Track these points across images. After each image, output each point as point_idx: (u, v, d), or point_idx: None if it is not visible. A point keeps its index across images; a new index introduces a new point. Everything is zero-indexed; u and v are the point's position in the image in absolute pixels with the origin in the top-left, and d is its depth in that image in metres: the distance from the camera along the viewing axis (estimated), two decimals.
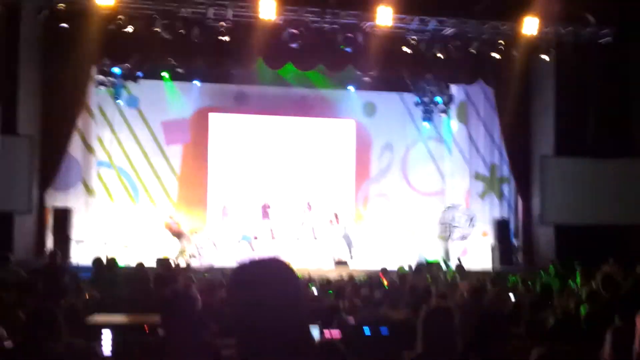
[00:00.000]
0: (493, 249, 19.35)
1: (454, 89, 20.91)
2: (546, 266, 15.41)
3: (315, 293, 10.56)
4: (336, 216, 19.56)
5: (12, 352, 4.54)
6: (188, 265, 16.60)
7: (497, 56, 17.20)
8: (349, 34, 16.48)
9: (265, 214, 19.89)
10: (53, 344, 4.63)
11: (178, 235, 18.64)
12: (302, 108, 21.06)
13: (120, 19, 15.40)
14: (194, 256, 17.93)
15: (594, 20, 15.98)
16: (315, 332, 6.56)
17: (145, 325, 6.68)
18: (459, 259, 17.52)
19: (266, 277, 2.28)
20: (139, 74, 19.20)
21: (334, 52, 17.15)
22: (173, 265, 14.71)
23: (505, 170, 20.33)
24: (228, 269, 14.01)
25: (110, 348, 6.40)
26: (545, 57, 17.26)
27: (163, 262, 15.15)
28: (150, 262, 14.86)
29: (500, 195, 20.44)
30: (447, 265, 16.92)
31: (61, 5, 15.37)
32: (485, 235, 20.08)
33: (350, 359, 5.79)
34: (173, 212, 19.40)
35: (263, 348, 2.21)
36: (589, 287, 8.47)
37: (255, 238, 19.45)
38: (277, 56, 17.47)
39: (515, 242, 19.56)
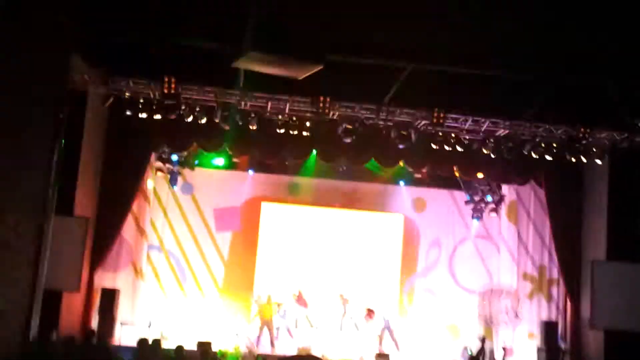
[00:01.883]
0: (539, 351, 18.91)
1: (505, 188, 20.91)
2: None
3: None
4: (369, 311, 19.32)
5: None
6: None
7: (550, 158, 17.25)
8: (403, 131, 16.76)
9: (303, 304, 19.83)
10: None
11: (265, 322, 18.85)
12: (352, 201, 21.25)
13: (182, 108, 15.96)
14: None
15: None
16: None
17: None
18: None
19: None
20: (196, 162, 19.74)
21: (386, 148, 17.44)
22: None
23: (555, 272, 20.07)
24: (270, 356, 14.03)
25: None
26: (599, 161, 17.25)
27: (204, 346, 15.21)
28: (191, 346, 14.94)
29: (549, 297, 20.12)
30: None
31: (127, 95, 16.05)
32: (532, 338, 19.68)
33: None
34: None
35: None
36: None
37: (296, 327, 19.38)
38: (331, 150, 17.83)
39: (562, 345, 19.10)
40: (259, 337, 18.75)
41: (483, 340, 18.20)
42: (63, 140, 10.64)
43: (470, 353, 18.77)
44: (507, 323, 19.45)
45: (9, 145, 3.74)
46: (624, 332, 17.24)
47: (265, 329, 18.87)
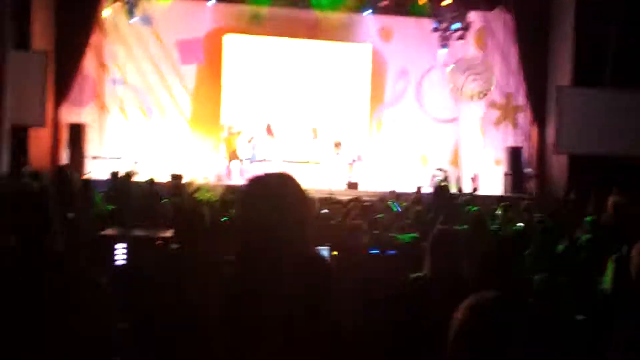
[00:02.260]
0: (505, 176, 19.40)
1: (473, 15, 20.56)
2: (557, 195, 15.53)
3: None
4: (337, 144, 19.49)
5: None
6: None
7: None
8: None
9: (271, 135, 19.86)
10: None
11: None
12: (317, 31, 20.83)
13: None
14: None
15: None
16: (325, 253, 6.66)
17: (157, 239, 6.81)
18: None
19: (278, 189, 2.37)
20: None
21: None
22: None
23: (521, 99, 20.22)
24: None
25: (123, 260, 6.57)
26: None
27: (176, 178, 15.38)
28: (162, 178, 15.07)
29: (515, 124, 20.38)
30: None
31: None
32: (498, 164, 20.12)
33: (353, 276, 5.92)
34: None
35: (263, 257, 2.32)
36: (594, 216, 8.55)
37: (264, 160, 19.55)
38: None
39: (527, 169, 19.58)
40: (227, 167, 18.92)
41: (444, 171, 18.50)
42: None
43: (438, 180, 19.17)
44: (476, 94, 19.28)
45: None
46: (586, 156, 17.65)
47: (236, 160, 19.00)
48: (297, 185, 2.42)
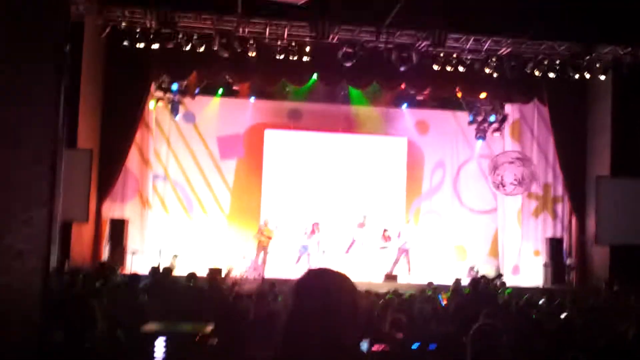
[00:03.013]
0: (545, 267, 19.16)
1: (508, 107, 20.79)
2: (599, 286, 15.28)
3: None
4: (384, 233, 19.52)
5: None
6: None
7: (553, 75, 17.12)
8: (404, 53, 16.60)
9: (315, 231, 19.88)
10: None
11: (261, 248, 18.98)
12: (355, 125, 21.23)
13: (179, 37, 15.84)
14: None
15: None
16: (364, 346, 6.63)
17: (197, 334, 6.85)
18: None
19: (330, 286, 2.41)
20: (197, 90, 19.65)
21: (388, 71, 17.31)
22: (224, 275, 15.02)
23: (559, 190, 20.15)
24: (277, 280, 14.22)
25: (162, 355, 6.59)
26: (602, 77, 17.13)
27: (214, 272, 15.47)
28: (202, 273, 15.15)
29: (554, 215, 20.25)
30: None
31: (123, 24, 15.92)
32: (537, 255, 19.90)
33: None
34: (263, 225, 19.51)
35: (313, 353, 2.32)
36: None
37: (308, 254, 19.52)
38: (332, 74, 17.74)
39: (568, 261, 19.34)
40: (255, 261, 18.89)
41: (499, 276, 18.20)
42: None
43: (476, 271, 19.01)
44: (517, 187, 19.08)
45: (15, 82, 3.73)
46: (628, 247, 17.41)
47: (262, 253, 19.02)
48: (350, 284, 2.46)
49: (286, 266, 18.89)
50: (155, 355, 6.63)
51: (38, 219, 3.94)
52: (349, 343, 2.37)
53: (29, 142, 4.08)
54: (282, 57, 16.59)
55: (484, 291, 12.35)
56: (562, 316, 9.58)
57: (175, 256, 18.25)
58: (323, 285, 2.40)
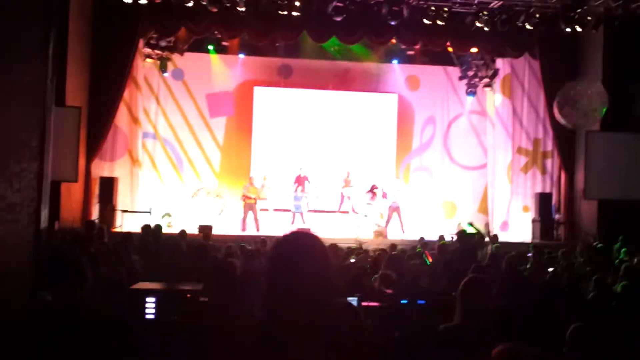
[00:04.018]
0: (534, 223, 19.26)
1: (499, 62, 20.68)
2: (588, 241, 15.38)
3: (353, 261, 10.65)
4: (372, 190, 19.51)
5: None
6: None
7: (544, 29, 16.99)
8: (394, 7, 16.42)
9: (304, 186, 19.90)
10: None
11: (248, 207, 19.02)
12: (345, 82, 21.13)
13: None
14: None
15: None
16: (354, 303, 6.65)
17: (188, 292, 6.85)
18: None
19: (299, 250, 2.62)
20: (185, 46, 19.44)
21: (378, 26, 17.14)
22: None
23: (549, 145, 20.16)
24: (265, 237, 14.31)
25: (153, 313, 6.61)
26: (594, 31, 17.01)
27: (205, 229, 15.51)
28: (193, 230, 15.19)
29: (543, 170, 20.28)
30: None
31: None
32: (526, 211, 19.99)
33: (386, 326, 5.91)
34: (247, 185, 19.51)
35: (290, 309, 2.53)
36: (629, 263, 8.46)
37: (301, 214, 19.58)
38: (322, 29, 17.56)
39: (556, 216, 19.44)
40: (244, 220, 18.96)
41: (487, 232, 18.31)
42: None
43: (469, 227, 19.10)
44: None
45: (3, 37, 3.67)
46: (616, 202, 17.48)
47: (250, 212, 19.08)
48: (321, 244, 2.67)
49: (283, 225, 18.91)
50: (146, 313, 6.65)
51: (29, 173, 3.91)
52: (321, 298, 2.57)
53: (18, 97, 4.02)
54: (271, 11, 16.38)
55: (470, 245, 12.39)
56: (550, 270, 9.66)
57: (167, 214, 18.27)
58: (293, 246, 2.65)
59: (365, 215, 19.10)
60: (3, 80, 3.88)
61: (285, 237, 2.70)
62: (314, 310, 2.53)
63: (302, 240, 2.68)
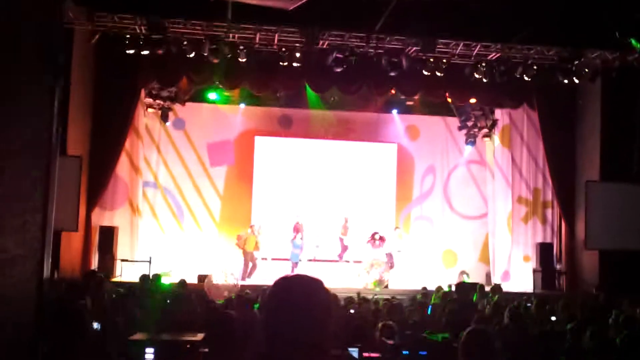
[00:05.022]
0: (535, 273, 19.19)
1: (498, 113, 20.86)
2: (589, 291, 15.32)
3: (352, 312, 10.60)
4: (373, 237, 19.50)
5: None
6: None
7: (542, 81, 17.17)
8: (393, 58, 16.64)
9: (300, 231, 19.85)
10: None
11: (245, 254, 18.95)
12: (345, 131, 21.26)
13: (169, 43, 15.80)
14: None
15: (639, 48, 15.80)
16: (354, 354, 6.61)
17: (187, 344, 6.81)
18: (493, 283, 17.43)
19: (300, 293, 2.53)
20: (186, 96, 19.62)
21: (378, 76, 17.32)
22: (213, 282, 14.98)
23: (549, 195, 20.20)
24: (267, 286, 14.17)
25: None
26: (592, 83, 17.19)
27: (204, 279, 15.43)
28: (193, 279, 15.11)
29: (544, 220, 20.28)
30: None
31: (113, 31, 15.89)
32: (527, 260, 19.94)
33: None
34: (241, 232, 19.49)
35: (285, 353, 2.43)
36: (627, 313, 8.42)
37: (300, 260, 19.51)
38: (322, 80, 17.74)
39: (558, 266, 19.39)
40: (244, 270, 18.87)
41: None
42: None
43: (467, 278, 19.05)
44: None
45: (9, 86, 3.72)
46: (618, 252, 17.45)
47: (250, 262, 19.00)
48: (322, 289, 2.58)
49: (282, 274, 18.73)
50: None
51: (32, 225, 3.93)
52: (322, 345, 2.48)
53: (23, 147, 4.06)
54: (272, 62, 16.59)
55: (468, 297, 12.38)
56: (552, 320, 9.60)
57: (167, 274, 18.18)
58: (293, 291, 2.54)
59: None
60: (8, 131, 3.93)
61: (287, 279, 2.61)
62: (313, 357, 2.44)
63: (302, 283, 2.59)
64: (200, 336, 6.95)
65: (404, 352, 6.86)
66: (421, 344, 7.05)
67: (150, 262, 17.91)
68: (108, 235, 18.01)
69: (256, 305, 9.72)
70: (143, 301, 11.04)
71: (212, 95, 19.85)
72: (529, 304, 11.63)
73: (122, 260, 18.06)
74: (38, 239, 3.83)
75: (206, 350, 5.08)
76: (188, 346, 6.80)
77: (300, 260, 19.44)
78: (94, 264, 17.44)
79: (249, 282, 17.87)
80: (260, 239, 19.32)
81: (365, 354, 6.76)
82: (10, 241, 3.78)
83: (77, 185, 16.10)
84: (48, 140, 4.03)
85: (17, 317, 3.67)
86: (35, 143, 4.13)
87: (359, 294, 13.96)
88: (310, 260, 19.71)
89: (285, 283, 2.58)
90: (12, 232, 3.82)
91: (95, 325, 7.94)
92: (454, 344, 4.68)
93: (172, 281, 14.97)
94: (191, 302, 10.20)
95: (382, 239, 19.37)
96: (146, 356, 6.64)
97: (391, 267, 19.25)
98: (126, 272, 17.73)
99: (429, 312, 11.27)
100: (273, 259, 19.69)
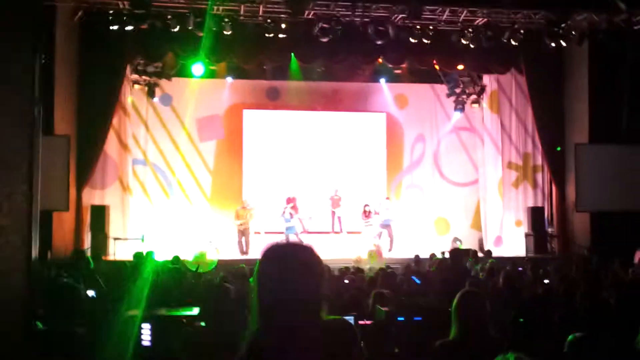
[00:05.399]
0: (527, 237, 19.30)
1: (486, 78, 20.82)
2: (582, 253, 15.43)
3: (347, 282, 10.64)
4: (365, 210, 19.55)
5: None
6: None
7: (529, 45, 17.12)
8: (380, 27, 16.51)
9: (295, 207, 19.87)
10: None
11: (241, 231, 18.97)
12: (334, 102, 21.18)
13: (153, 18, 15.64)
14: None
15: (625, 8, 15.74)
16: (350, 322, 6.62)
17: (183, 318, 6.81)
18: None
19: (290, 256, 2.56)
20: (172, 71, 19.45)
21: (364, 46, 17.21)
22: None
23: (539, 159, 20.27)
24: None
25: (149, 340, 6.55)
26: (579, 45, 17.15)
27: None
28: (186, 256, 15.10)
29: (534, 184, 20.37)
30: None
31: (96, 7, 15.72)
32: (519, 225, 20.04)
33: (380, 344, 5.88)
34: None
35: (280, 319, 2.46)
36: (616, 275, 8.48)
37: (296, 234, 19.52)
38: (309, 51, 17.62)
39: (549, 229, 19.51)
40: (239, 243, 18.91)
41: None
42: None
43: (460, 244, 19.15)
44: None
45: None
46: (608, 213, 17.55)
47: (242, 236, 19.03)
48: (312, 253, 2.60)
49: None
50: (142, 340, 6.59)
51: (19, 195, 3.90)
52: (315, 308, 2.52)
53: (6, 121, 4.02)
54: (258, 34, 16.46)
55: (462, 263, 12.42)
56: (545, 283, 9.66)
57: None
58: (283, 254, 2.58)
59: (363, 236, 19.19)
60: None
61: (279, 245, 2.62)
62: (310, 326, 2.46)
63: (292, 248, 2.62)
64: (196, 310, 6.95)
65: (399, 318, 6.88)
66: (415, 310, 7.08)
67: (142, 239, 17.96)
68: (99, 214, 17.98)
69: (251, 280, 9.74)
70: (137, 278, 11.06)
71: (197, 69, 19.66)
72: (521, 268, 11.71)
73: (115, 238, 18.06)
74: (25, 210, 3.81)
75: (202, 324, 5.08)
76: (184, 321, 6.80)
77: (296, 233, 19.44)
78: (87, 243, 17.42)
79: (245, 257, 17.91)
80: (254, 213, 19.32)
81: (361, 322, 6.77)
82: None
83: (65, 164, 16.04)
84: (30, 114, 3.99)
85: (7, 291, 3.66)
86: (17, 116, 4.09)
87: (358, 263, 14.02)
88: (302, 232, 19.73)
89: (275, 248, 2.60)
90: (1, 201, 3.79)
91: (90, 292, 7.96)
92: (449, 309, 4.69)
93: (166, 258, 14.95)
94: (186, 277, 10.22)
95: (369, 213, 19.44)
96: (142, 332, 6.63)
97: (390, 237, 19.36)
98: (119, 250, 17.74)
99: (417, 282, 11.33)
100: (266, 233, 19.66)
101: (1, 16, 4.19)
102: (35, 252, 3.85)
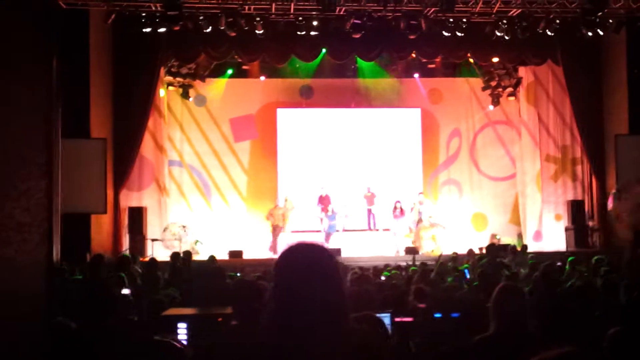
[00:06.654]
0: (567, 231, 18.98)
1: (522, 70, 20.52)
2: (624, 247, 15.11)
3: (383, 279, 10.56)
4: (396, 207, 19.39)
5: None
6: None
7: (565, 35, 16.83)
8: (412, 21, 16.34)
9: (327, 205, 19.80)
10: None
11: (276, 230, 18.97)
12: (367, 99, 21.06)
13: (185, 19, 15.70)
14: None
15: None
16: (386, 320, 6.54)
17: (218, 317, 6.79)
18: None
19: (307, 260, 2.54)
20: (206, 72, 19.53)
21: (397, 40, 17.08)
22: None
23: (578, 151, 19.91)
24: None
25: (185, 339, 6.55)
26: (616, 34, 16.81)
27: (235, 254, 15.46)
28: (223, 255, 15.15)
29: (574, 177, 20.02)
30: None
31: (128, 10, 15.82)
32: (559, 219, 19.73)
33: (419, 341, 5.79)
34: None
35: (296, 322, 2.43)
36: None
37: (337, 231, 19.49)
38: (341, 47, 17.56)
39: (590, 223, 19.15)
40: (273, 243, 18.90)
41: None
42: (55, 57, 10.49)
43: (499, 240, 18.94)
44: None
45: (8, 60, 3.72)
46: None
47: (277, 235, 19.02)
48: (326, 251, 2.59)
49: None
50: (178, 339, 6.58)
51: (37, 191, 3.86)
52: (338, 307, 2.47)
53: (22, 113, 4.01)
54: (289, 32, 16.44)
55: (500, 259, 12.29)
56: (586, 277, 9.47)
57: (196, 241, 18.27)
58: (300, 254, 2.56)
59: (395, 234, 19.08)
60: (8, 102, 3.91)
61: (296, 247, 2.60)
62: (330, 330, 2.42)
63: (307, 246, 2.59)
64: (230, 309, 6.93)
65: (436, 314, 6.79)
66: (453, 306, 6.98)
67: (180, 240, 18.06)
68: (137, 215, 18.14)
69: None
70: (175, 278, 11.11)
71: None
72: (559, 263, 11.51)
73: (153, 240, 18.18)
74: (44, 205, 3.78)
75: (235, 322, 5.04)
76: (220, 319, 6.78)
77: (337, 231, 19.40)
78: (125, 245, 17.57)
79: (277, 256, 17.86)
80: (288, 213, 19.32)
81: (397, 319, 6.68)
82: (15, 207, 3.74)
83: (102, 167, 16.19)
84: (49, 109, 3.98)
85: (27, 287, 3.63)
86: (35, 111, 4.08)
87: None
88: (338, 231, 19.66)
89: (291, 249, 2.59)
90: (15, 199, 3.77)
91: (126, 290, 7.99)
92: (487, 304, 4.59)
93: (202, 258, 15.03)
94: (222, 276, 10.19)
95: (402, 210, 19.30)
96: (179, 331, 6.63)
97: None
98: (157, 252, 17.85)
99: (467, 276, 11.20)
100: (299, 231, 19.60)
101: (16, 17, 4.20)
102: (56, 250, 3.83)
